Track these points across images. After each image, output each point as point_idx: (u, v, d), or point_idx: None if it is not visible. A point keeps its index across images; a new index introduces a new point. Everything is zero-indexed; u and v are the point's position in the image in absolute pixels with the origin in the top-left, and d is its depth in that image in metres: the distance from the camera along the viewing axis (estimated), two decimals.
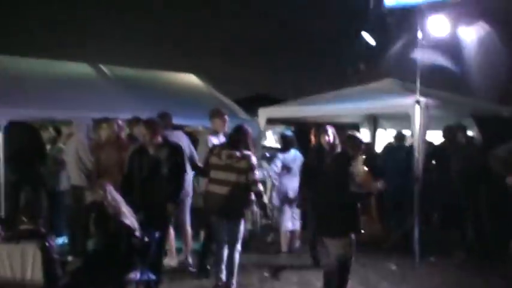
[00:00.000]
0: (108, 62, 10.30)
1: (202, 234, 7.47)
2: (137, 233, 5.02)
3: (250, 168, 6.03)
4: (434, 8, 7.73)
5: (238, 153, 6.05)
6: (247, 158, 6.04)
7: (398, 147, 9.25)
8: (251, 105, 11.07)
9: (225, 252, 6.19)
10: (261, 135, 10.11)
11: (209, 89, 11.04)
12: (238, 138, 6.19)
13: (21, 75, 8.72)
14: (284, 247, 8.27)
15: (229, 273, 6.18)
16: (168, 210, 6.07)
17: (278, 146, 9.30)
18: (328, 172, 5.86)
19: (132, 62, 11.49)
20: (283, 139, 8.53)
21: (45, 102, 8.09)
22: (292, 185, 8.02)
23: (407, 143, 9.21)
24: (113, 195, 5.11)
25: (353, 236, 5.61)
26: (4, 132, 7.36)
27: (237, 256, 6.18)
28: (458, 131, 8.31)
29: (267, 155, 10.64)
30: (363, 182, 5.51)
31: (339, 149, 7.15)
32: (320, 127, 7.80)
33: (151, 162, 6.05)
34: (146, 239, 5.09)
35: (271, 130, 11.57)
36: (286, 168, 8.13)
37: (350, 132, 5.94)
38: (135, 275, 5.03)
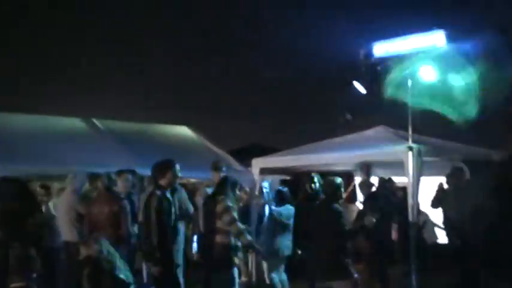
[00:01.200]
0: (101, 116, 10.40)
1: None
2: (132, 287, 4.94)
3: (224, 210, 6.00)
4: (423, 56, 7.87)
5: (217, 198, 6.12)
6: (219, 201, 6.07)
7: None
8: (244, 156, 11.11)
9: None
10: (255, 185, 10.08)
11: (202, 141, 11.11)
12: (218, 188, 6.32)
13: (13, 131, 8.78)
14: None
15: None
16: None
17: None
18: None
19: (125, 116, 11.59)
20: (279, 194, 8.43)
21: (36, 158, 8.15)
22: (286, 242, 7.90)
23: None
24: (108, 249, 5.05)
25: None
26: None
27: None
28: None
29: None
30: None
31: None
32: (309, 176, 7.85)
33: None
34: None
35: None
36: (281, 225, 8.00)
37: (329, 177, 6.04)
38: None
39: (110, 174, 7.04)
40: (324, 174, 7.95)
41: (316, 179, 7.61)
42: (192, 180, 9.51)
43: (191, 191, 8.57)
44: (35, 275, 4.43)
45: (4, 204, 7.22)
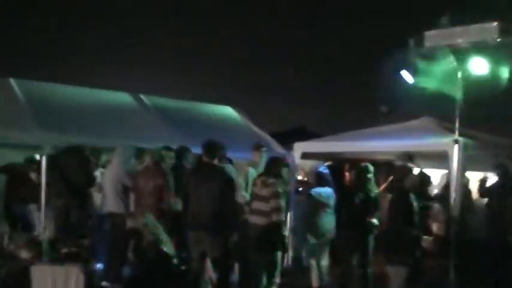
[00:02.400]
0: (148, 92, 10.57)
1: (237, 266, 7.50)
2: (175, 261, 5.09)
3: (272, 195, 6.06)
4: (474, 48, 7.75)
5: (269, 181, 6.16)
6: (269, 185, 6.10)
7: None
8: (286, 139, 11.15)
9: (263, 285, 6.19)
10: (296, 169, 10.16)
11: (245, 122, 11.20)
12: (268, 168, 6.34)
13: (64, 102, 9.02)
14: (314, 283, 8.23)
15: None
16: None
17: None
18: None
19: (171, 93, 11.75)
20: (319, 176, 8.52)
21: (85, 129, 8.35)
22: (328, 225, 7.98)
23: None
24: (154, 222, 5.21)
25: None
26: (48, 158, 7.63)
27: None
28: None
29: (300, 189, 10.66)
30: None
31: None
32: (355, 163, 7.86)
33: None
34: (183, 267, 5.16)
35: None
36: (320, 205, 8.10)
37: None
38: None
39: (159, 150, 7.18)
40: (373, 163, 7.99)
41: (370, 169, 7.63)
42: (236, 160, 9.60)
43: None
44: (86, 242, 4.62)
45: (68, 175, 7.62)
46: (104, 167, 8.76)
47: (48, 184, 7.47)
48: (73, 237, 4.61)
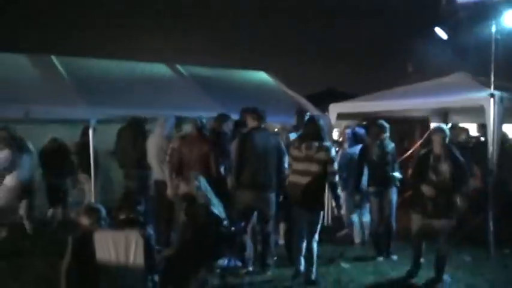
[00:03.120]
0: (183, 61, 10.80)
1: (282, 227, 7.79)
2: (225, 222, 5.37)
3: (330, 159, 6.30)
4: (508, 2, 7.73)
5: (317, 144, 6.33)
6: (326, 149, 6.31)
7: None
8: (321, 101, 11.28)
9: (304, 243, 6.49)
10: (332, 129, 10.31)
11: (280, 86, 11.35)
12: (313, 130, 6.48)
13: (105, 76, 9.34)
14: (356, 239, 8.49)
15: (309, 264, 6.46)
16: None
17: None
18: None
19: (206, 61, 11.95)
20: (354, 136, 8.72)
21: (128, 102, 8.64)
22: (365, 178, 8.16)
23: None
24: (205, 185, 5.49)
25: None
26: (95, 130, 7.98)
27: (316, 246, 6.47)
28: None
29: (336, 149, 10.81)
30: None
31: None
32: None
33: None
34: (233, 229, 5.44)
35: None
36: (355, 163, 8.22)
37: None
38: (223, 262, 5.40)
39: (201, 118, 7.39)
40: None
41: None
42: (274, 124, 9.78)
43: None
44: (141, 208, 4.91)
45: (128, 145, 8.03)
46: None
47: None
48: (130, 205, 4.90)
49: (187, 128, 7.72)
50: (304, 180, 6.34)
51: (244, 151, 6.70)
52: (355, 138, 8.67)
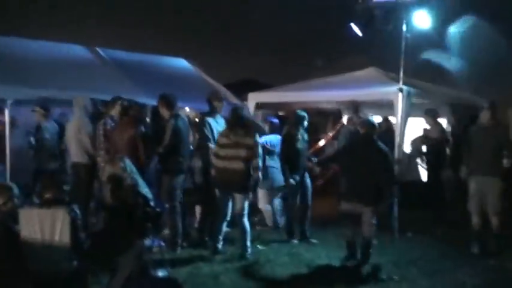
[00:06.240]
0: (104, 45, 10.66)
1: (197, 209, 8.06)
2: (151, 203, 5.48)
3: (255, 144, 6.78)
4: (419, 2, 8.29)
5: (243, 131, 6.79)
6: (251, 135, 6.78)
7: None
8: (240, 90, 11.51)
9: (225, 224, 6.84)
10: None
11: (199, 74, 11.48)
12: (238, 118, 6.96)
13: (22, 56, 9.04)
14: (269, 222, 8.80)
15: (244, 239, 6.96)
16: None
17: None
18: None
19: (126, 46, 11.84)
20: (270, 124, 9.06)
21: (46, 83, 8.48)
22: (277, 167, 8.48)
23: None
24: (131, 167, 5.57)
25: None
26: (10, 110, 7.79)
27: (247, 223, 6.96)
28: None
29: None
30: None
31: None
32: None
33: None
34: (158, 209, 5.56)
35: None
36: (269, 151, 8.52)
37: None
38: (149, 242, 5.51)
39: (124, 101, 7.41)
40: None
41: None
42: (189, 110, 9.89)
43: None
44: (66, 188, 4.95)
45: None
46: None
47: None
48: (56, 184, 4.91)
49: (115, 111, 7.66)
50: (233, 165, 6.74)
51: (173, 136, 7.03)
52: (271, 127, 9.00)
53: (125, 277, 4.71)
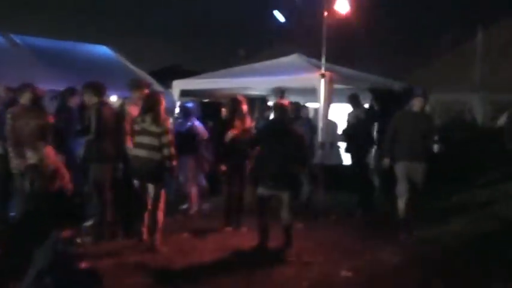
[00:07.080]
0: (20, 32, 10.25)
1: None
2: (73, 193, 5.32)
3: (163, 131, 6.53)
4: None
5: (150, 118, 6.55)
6: (159, 123, 6.53)
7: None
8: (165, 77, 11.39)
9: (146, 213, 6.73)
10: (175, 106, 10.48)
11: (123, 61, 11.26)
12: (149, 104, 6.68)
13: None
14: (192, 210, 8.79)
15: (153, 231, 6.64)
16: None
17: None
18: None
19: (45, 33, 11.44)
20: (183, 110, 8.99)
21: None
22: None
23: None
24: (53, 156, 5.38)
25: None
26: None
27: (160, 215, 6.70)
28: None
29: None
30: None
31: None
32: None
33: None
34: (80, 199, 5.42)
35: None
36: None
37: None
38: (70, 233, 5.34)
39: (35, 89, 7.11)
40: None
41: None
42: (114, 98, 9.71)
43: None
44: None
45: None
46: None
47: None
48: None
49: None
50: (142, 153, 6.58)
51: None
52: (185, 113, 8.91)
53: (39, 270, 4.55)
